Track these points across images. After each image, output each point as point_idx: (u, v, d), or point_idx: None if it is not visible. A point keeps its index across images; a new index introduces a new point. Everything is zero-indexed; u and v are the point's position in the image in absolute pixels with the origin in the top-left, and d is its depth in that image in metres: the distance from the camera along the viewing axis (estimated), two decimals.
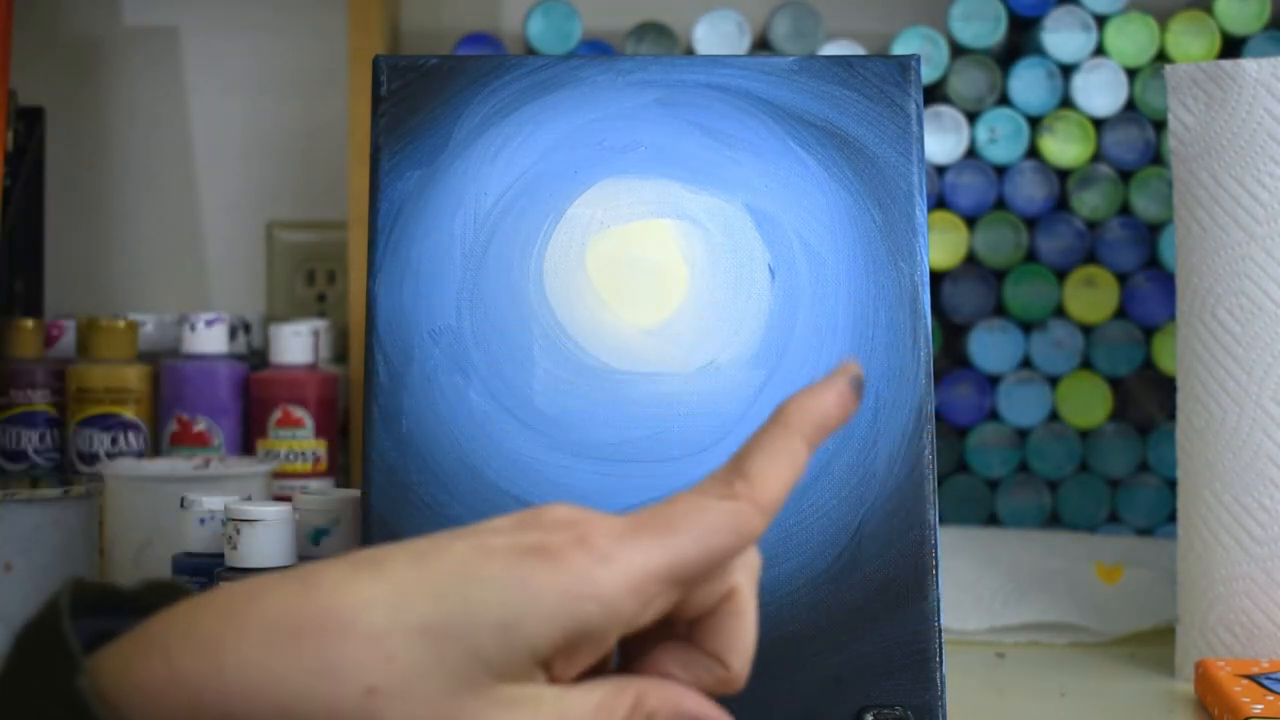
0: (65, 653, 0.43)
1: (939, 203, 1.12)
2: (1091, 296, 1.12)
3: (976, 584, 1.01)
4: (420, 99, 0.78)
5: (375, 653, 0.42)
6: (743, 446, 0.47)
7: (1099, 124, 1.12)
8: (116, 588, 0.48)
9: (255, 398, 1.07)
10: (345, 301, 1.22)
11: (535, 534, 0.44)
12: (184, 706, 0.43)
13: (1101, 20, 1.12)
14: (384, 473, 0.74)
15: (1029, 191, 1.12)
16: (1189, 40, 1.11)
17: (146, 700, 0.43)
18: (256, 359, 1.18)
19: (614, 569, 0.43)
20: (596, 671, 0.46)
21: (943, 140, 1.12)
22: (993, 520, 1.14)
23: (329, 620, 0.43)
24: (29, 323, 1.11)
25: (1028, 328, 1.13)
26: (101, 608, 0.47)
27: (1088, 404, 1.13)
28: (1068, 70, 1.12)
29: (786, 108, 0.77)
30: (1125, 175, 1.13)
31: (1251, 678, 0.80)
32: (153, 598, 0.48)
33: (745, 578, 0.48)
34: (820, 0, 1.17)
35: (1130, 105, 1.12)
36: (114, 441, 1.06)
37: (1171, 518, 1.12)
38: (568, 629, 0.43)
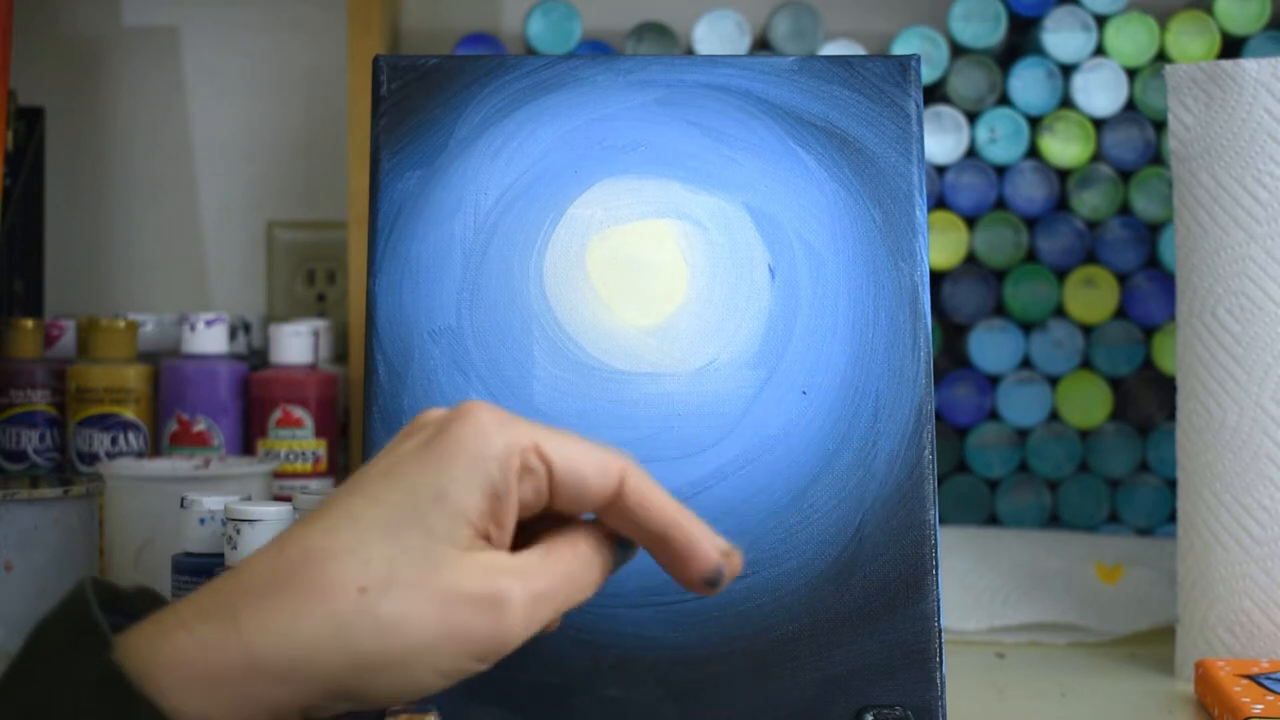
0: (96, 633, 0.49)
1: (939, 203, 1.12)
2: (1091, 296, 1.12)
3: (976, 584, 1.01)
4: (420, 99, 0.78)
5: (352, 562, 0.51)
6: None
7: (1099, 124, 1.12)
8: (119, 589, 0.53)
9: (255, 398, 1.07)
10: (345, 301, 1.22)
11: (427, 429, 0.54)
12: (210, 667, 0.49)
13: (1101, 20, 1.12)
14: None
15: (1029, 191, 1.12)
16: (1189, 40, 1.11)
17: (171, 672, 0.49)
18: (256, 359, 1.18)
19: (502, 435, 0.53)
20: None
21: (943, 140, 1.12)
22: (993, 520, 1.14)
23: (307, 556, 0.51)
24: (29, 323, 1.11)
25: (1028, 328, 1.13)
26: (106, 605, 0.52)
27: (1088, 404, 1.13)
28: (1068, 70, 1.12)
29: (786, 108, 0.77)
30: (1125, 175, 1.13)
31: (1251, 678, 0.80)
32: (143, 603, 0.54)
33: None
34: (820, 0, 1.17)
35: (1130, 105, 1.12)
36: (114, 441, 1.06)
37: (1171, 518, 1.12)
38: (483, 488, 0.52)
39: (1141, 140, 1.12)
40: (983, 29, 1.13)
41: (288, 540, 0.52)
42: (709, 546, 0.57)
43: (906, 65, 0.78)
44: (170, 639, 0.50)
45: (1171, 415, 1.12)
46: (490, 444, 0.53)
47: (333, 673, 0.51)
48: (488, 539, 0.54)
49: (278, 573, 0.51)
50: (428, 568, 0.51)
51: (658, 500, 0.57)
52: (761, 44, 1.16)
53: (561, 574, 0.55)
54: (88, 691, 0.48)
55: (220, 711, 0.50)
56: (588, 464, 0.55)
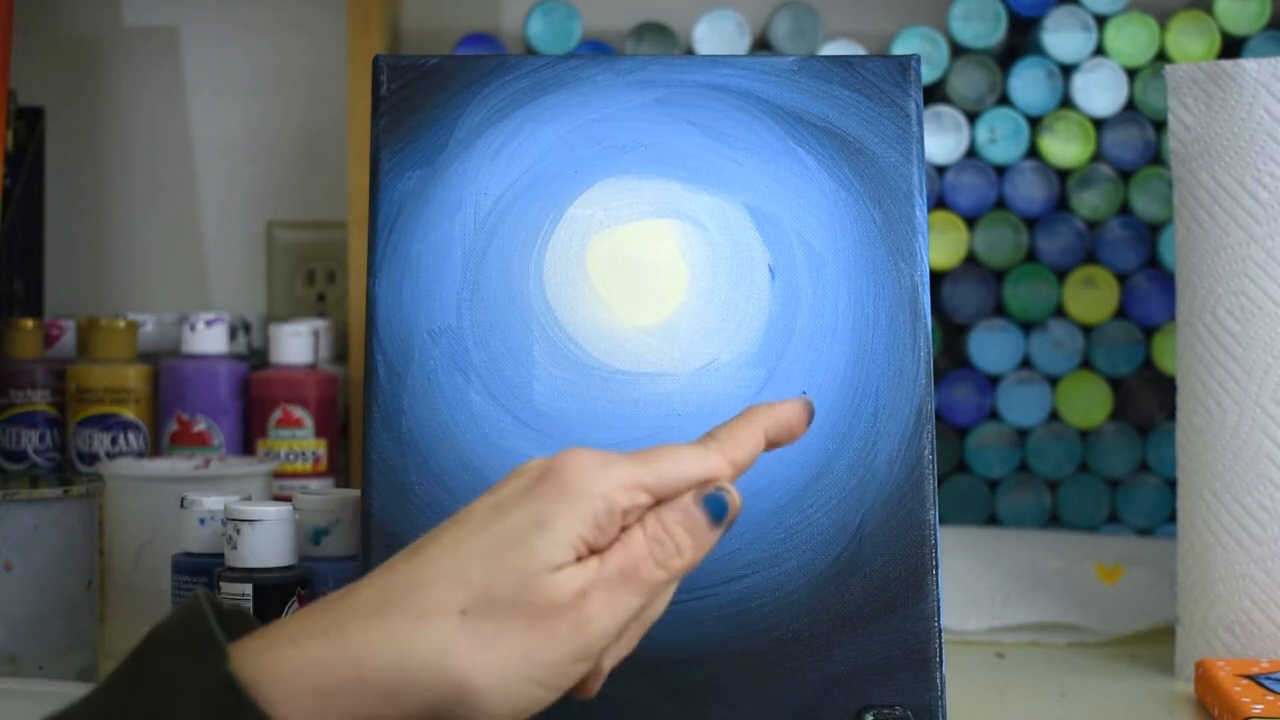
0: (213, 643, 0.51)
1: (939, 203, 1.12)
2: (1091, 296, 1.12)
3: (976, 584, 1.01)
4: (420, 99, 0.78)
5: (455, 585, 0.53)
6: (714, 429, 0.59)
7: (1099, 124, 1.12)
8: (221, 605, 0.56)
9: (255, 398, 1.07)
10: (345, 301, 1.22)
11: (533, 471, 0.57)
12: (319, 683, 0.52)
13: (1101, 20, 1.12)
14: (384, 473, 0.74)
15: (1029, 191, 1.12)
16: (1189, 40, 1.11)
17: (281, 685, 0.51)
18: (256, 359, 1.18)
19: (610, 472, 0.55)
20: None
21: (943, 140, 1.12)
22: (993, 520, 1.14)
23: (412, 582, 0.54)
24: (29, 323, 1.11)
25: (1028, 328, 1.13)
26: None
27: (1088, 404, 1.13)
28: (1068, 70, 1.12)
29: (786, 108, 0.77)
30: (1125, 175, 1.13)
31: (1251, 678, 0.80)
32: (239, 622, 0.56)
33: None
34: (820, 0, 1.17)
35: (1130, 105, 1.12)
36: (114, 441, 1.06)
37: (1171, 518, 1.12)
38: (586, 521, 0.54)
39: (1141, 140, 1.12)
40: (983, 29, 1.13)
41: (394, 566, 0.55)
42: (793, 414, 0.60)
43: (906, 65, 0.78)
44: (280, 654, 0.52)
45: (1171, 415, 1.12)
46: (595, 481, 0.55)
47: (437, 694, 0.53)
48: (581, 559, 0.55)
49: (385, 597, 0.54)
50: (524, 587, 0.53)
51: (752, 449, 0.59)
52: (761, 44, 1.16)
53: (635, 552, 0.56)
54: (202, 700, 0.50)
55: None
56: (691, 480, 0.57)
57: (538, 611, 0.54)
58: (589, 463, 0.55)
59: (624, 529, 0.56)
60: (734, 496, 0.58)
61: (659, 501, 0.57)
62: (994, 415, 1.13)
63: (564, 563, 0.54)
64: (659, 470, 0.56)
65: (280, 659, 0.52)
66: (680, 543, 0.56)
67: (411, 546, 0.56)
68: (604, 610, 0.55)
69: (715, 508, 0.57)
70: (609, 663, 0.57)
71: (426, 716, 0.53)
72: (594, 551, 0.55)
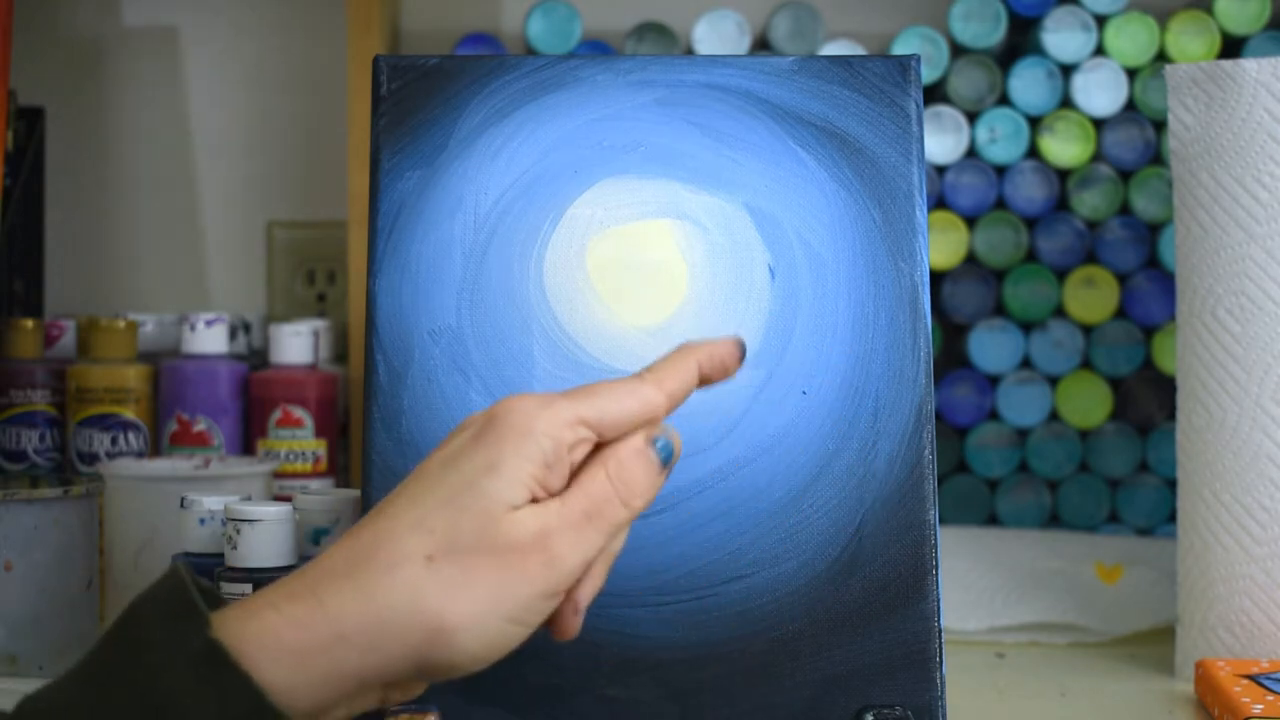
0: (195, 612, 0.53)
1: (939, 203, 1.12)
2: (1091, 296, 1.12)
3: (976, 584, 1.01)
4: (420, 99, 0.78)
5: (418, 534, 0.56)
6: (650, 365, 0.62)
7: (1099, 124, 1.12)
8: (196, 579, 0.57)
9: (255, 398, 1.07)
10: (345, 301, 1.22)
11: (475, 424, 0.59)
12: (299, 642, 0.54)
13: (1101, 20, 1.12)
14: (384, 473, 0.74)
15: (1029, 191, 1.12)
16: (1189, 40, 1.11)
17: (262, 648, 0.53)
18: (256, 359, 1.18)
19: (550, 411, 0.58)
20: None
21: (943, 140, 1.12)
22: (993, 520, 1.14)
23: (379, 538, 0.56)
24: (29, 323, 1.11)
25: (1028, 328, 1.13)
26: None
27: (1088, 404, 1.13)
28: (1068, 70, 1.12)
29: (786, 108, 0.77)
30: (1125, 175, 1.13)
31: (1251, 678, 0.80)
32: (213, 596, 0.58)
33: None
34: (820, 0, 1.17)
35: (1130, 105, 1.12)
36: (114, 441, 1.06)
37: (1171, 518, 1.12)
38: (534, 459, 0.57)
39: (1141, 140, 1.12)
40: (983, 29, 1.13)
41: (360, 528, 0.57)
42: (725, 351, 0.63)
43: (906, 65, 0.78)
44: (259, 618, 0.54)
45: (1171, 415, 1.12)
46: (537, 421, 0.57)
47: (413, 641, 0.55)
48: (538, 500, 0.58)
49: (353, 556, 0.56)
50: (485, 527, 0.56)
51: (686, 381, 0.61)
52: (761, 44, 1.16)
53: (597, 493, 0.58)
54: (187, 666, 0.52)
55: (309, 684, 0.54)
56: (630, 414, 0.59)
57: (501, 551, 0.56)
58: (529, 405, 0.58)
59: (574, 468, 0.59)
60: (677, 441, 0.61)
61: (601, 437, 0.59)
62: (994, 415, 1.13)
63: (519, 502, 0.57)
64: (599, 407, 0.59)
65: (260, 624, 0.54)
66: (641, 482, 0.59)
67: (372, 511, 0.58)
68: (572, 549, 0.57)
69: (665, 452, 0.60)
70: (585, 599, 0.59)
71: (408, 667, 0.55)
72: (548, 491, 0.58)
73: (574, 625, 0.60)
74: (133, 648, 0.53)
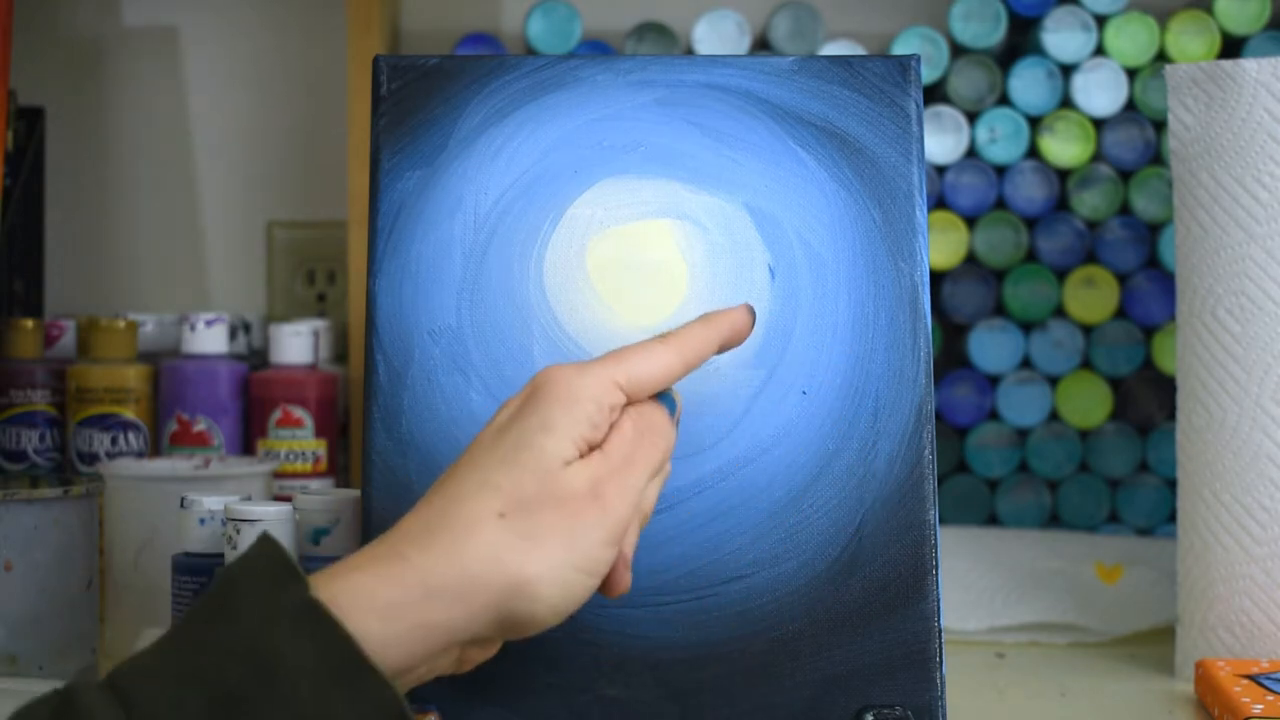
0: (293, 572, 0.55)
1: (939, 203, 1.12)
2: (1091, 296, 1.12)
3: (976, 584, 1.01)
4: (420, 99, 0.78)
5: (486, 493, 0.59)
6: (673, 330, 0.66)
7: (1099, 124, 1.12)
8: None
9: (255, 398, 1.07)
10: (345, 301, 1.22)
11: (517, 398, 0.62)
12: (390, 598, 0.56)
13: (1101, 20, 1.12)
14: (384, 473, 0.74)
15: (1029, 191, 1.12)
16: (1189, 40, 1.11)
17: (355, 605, 0.55)
18: (256, 359, 1.18)
19: (590, 377, 0.62)
20: None
21: (943, 140, 1.12)
22: (993, 520, 1.14)
23: (448, 504, 0.59)
24: (29, 323, 1.11)
25: (1028, 328, 1.13)
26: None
27: (1088, 404, 1.13)
28: (1068, 70, 1.12)
29: (786, 108, 0.77)
30: (1125, 175, 1.13)
31: (1251, 678, 0.80)
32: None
33: None
34: (820, 0, 1.17)
35: (1130, 105, 1.12)
36: (114, 441, 1.06)
37: (1171, 518, 1.12)
38: (581, 421, 0.61)
39: (1141, 140, 1.12)
40: (983, 29, 1.13)
41: (427, 501, 0.60)
42: (740, 319, 0.67)
43: (906, 65, 0.78)
44: (348, 578, 0.56)
45: (1171, 415, 1.12)
46: (580, 387, 0.61)
47: (496, 596, 0.57)
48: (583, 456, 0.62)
49: (428, 521, 0.58)
50: (545, 481, 0.59)
51: (704, 351, 0.65)
52: (761, 44, 1.16)
53: (630, 444, 0.62)
54: (285, 624, 0.54)
55: (400, 639, 0.56)
56: (658, 375, 0.64)
57: (563, 501, 0.59)
58: (569, 373, 0.62)
59: (610, 426, 0.63)
60: (678, 396, 0.66)
61: (630, 398, 0.63)
62: (994, 415, 1.13)
63: (571, 457, 0.60)
64: (629, 371, 0.63)
65: (350, 582, 0.56)
66: (663, 431, 0.63)
67: (434, 485, 0.61)
68: (620, 496, 0.61)
69: (670, 405, 0.65)
70: (630, 552, 0.63)
71: (491, 622, 0.58)
72: (592, 449, 0.61)
73: (626, 580, 0.63)
74: (229, 611, 0.55)
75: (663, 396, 0.65)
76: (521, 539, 0.58)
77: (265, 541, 0.57)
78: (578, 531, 0.59)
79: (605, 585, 0.62)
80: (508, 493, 0.59)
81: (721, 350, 0.67)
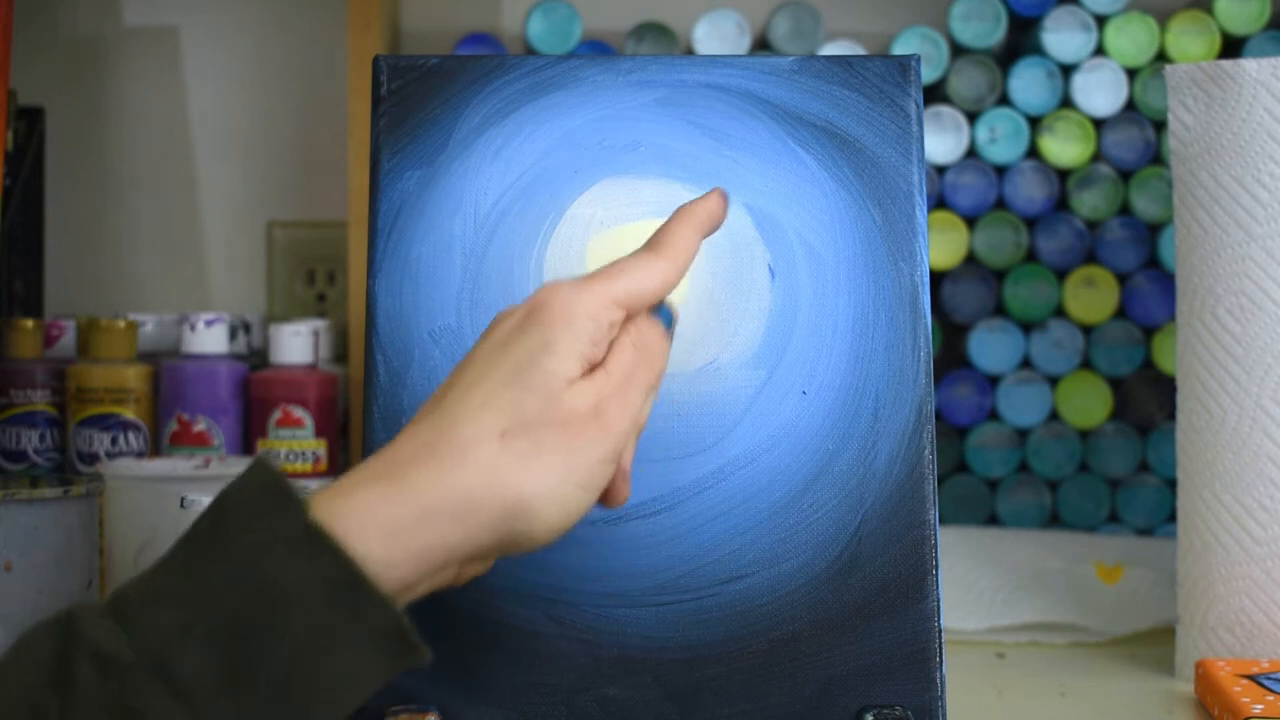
0: (291, 496, 0.55)
1: (939, 203, 1.12)
2: (1091, 296, 1.12)
3: (976, 584, 1.01)
4: (420, 99, 0.78)
5: (487, 413, 0.59)
6: (654, 232, 0.66)
7: (1099, 124, 1.12)
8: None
9: (255, 398, 1.07)
10: (345, 301, 1.22)
11: (515, 314, 0.62)
12: (389, 518, 0.56)
13: (1101, 20, 1.12)
14: None
15: (1029, 191, 1.12)
16: (1189, 40, 1.11)
17: (353, 525, 0.55)
18: (256, 359, 1.18)
19: (589, 294, 0.61)
20: None
21: (943, 140, 1.12)
22: (993, 520, 1.14)
23: (444, 425, 0.59)
24: (29, 323, 1.11)
25: (1028, 328, 1.13)
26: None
27: (1088, 404, 1.13)
28: (1068, 70, 1.12)
29: (786, 108, 0.77)
30: (1125, 175, 1.13)
31: (1251, 678, 0.80)
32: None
33: None
34: (820, 0, 1.17)
35: (1130, 105, 1.12)
36: (114, 441, 1.06)
37: (1171, 518, 1.12)
38: (582, 338, 0.60)
39: (1141, 140, 1.12)
40: (983, 29, 1.13)
41: (424, 417, 0.60)
42: (715, 205, 0.67)
43: (906, 65, 0.78)
44: (348, 498, 0.56)
45: (1171, 415, 1.12)
46: (580, 304, 0.61)
47: (495, 515, 0.57)
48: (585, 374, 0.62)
49: (423, 444, 0.58)
50: (548, 400, 0.59)
51: (691, 247, 0.65)
52: (761, 44, 1.16)
53: (628, 361, 0.62)
54: (285, 546, 0.54)
55: (400, 559, 0.56)
56: (655, 289, 0.63)
57: (566, 421, 0.59)
58: (567, 290, 0.61)
59: (610, 343, 0.63)
60: (674, 306, 0.66)
61: (629, 313, 0.63)
62: (994, 415, 1.13)
63: (574, 376, 0.60)
64: (627, 286, 0.62)
65: (350, 503, 0.56)
66: (659, 346, 0.63)
67: (427, 404, 0.61)
68: (620, 413, 0.61)
69: (666, 317, 0.65)
70: (628, 465, 0.63)
71: (490, 540, 0.58)
72: (592, 365, 0.61)
73: (625, 491, 0.63)
74: (227, 535, 0.55)
75: (660, 308, 0.65)
76: (522, 459, 0.58)
77: (259, 468, 0.57)
78: (578, 451, 0.59)
79: (605, 498, 0.63)
80: (510, 413, 0.59)
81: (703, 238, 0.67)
